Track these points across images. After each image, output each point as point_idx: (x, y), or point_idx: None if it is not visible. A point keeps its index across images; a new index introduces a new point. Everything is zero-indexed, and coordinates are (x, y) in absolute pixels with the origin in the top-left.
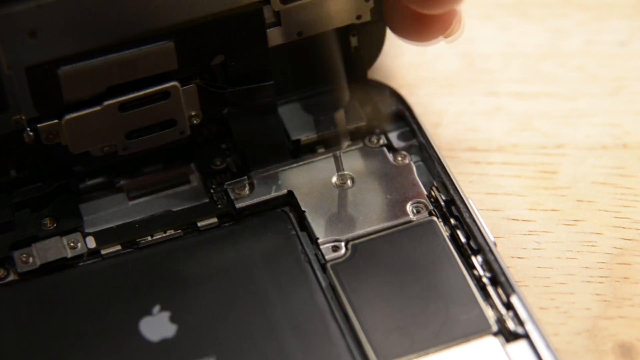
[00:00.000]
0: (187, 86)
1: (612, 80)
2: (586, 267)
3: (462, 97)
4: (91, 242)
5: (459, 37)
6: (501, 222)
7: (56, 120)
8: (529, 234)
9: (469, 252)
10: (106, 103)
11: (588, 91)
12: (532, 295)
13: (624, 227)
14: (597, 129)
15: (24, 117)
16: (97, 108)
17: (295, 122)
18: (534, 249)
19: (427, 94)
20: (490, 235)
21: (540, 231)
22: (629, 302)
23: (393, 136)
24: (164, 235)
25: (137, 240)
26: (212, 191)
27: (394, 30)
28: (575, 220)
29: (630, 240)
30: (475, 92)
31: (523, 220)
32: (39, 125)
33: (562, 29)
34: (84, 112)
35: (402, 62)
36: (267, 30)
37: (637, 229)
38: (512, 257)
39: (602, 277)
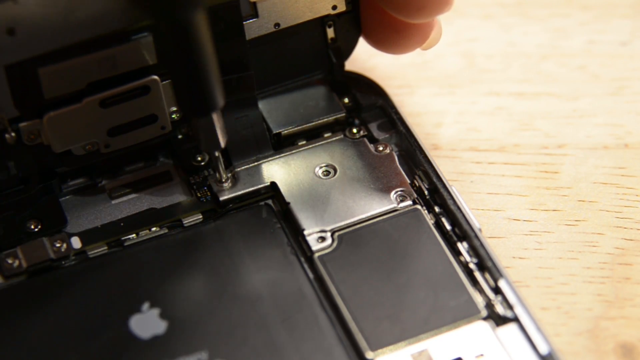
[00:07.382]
0: (167, 81)
1: (613, 80)
2: (587, 268)
3: (463, 97)
4: (76, 243)
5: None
6: (502, 222)
7: (37, 119)
8: (530, 234)
9: (455, 238)
10: (86, 99)
11: (589, 91)
12: (533, 295)
13: (625, 228)
14: (599, 129)
15: (4, 117)
16: (78, 105)
17: (276, 115)
18: (535, 249)
19: (428, 94)
20: (475, 222)
21: (541, 231)
22: (630, 303)
23: (373, 126)
24: (149, 233)
25: (123, 239)
26: (195, 187)
27: (371, 42)
28: (576, 221)
29: (631, 240)
30: (477, 92)
31: (524, 221)
32: (20, 125)
33: (564, 28)
34: (64, 109)
35: (402, 62)
36: (244, 22)
37: (638, 229)
38: (514, 257)
39: (603, 277)
